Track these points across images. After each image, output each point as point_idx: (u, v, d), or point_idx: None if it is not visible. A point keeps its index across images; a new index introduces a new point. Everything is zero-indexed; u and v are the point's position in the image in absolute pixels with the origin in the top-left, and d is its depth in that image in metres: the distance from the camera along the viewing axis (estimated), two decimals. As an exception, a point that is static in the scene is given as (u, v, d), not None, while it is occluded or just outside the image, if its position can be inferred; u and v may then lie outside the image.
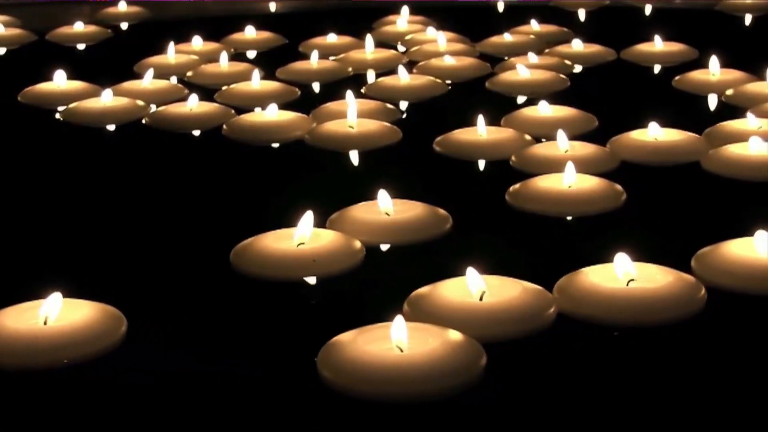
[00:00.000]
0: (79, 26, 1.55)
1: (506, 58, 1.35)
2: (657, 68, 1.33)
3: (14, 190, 1.01)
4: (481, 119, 1.05)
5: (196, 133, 1.14)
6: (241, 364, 0.69)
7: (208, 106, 1.17)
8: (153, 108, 1.19)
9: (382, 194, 0.86)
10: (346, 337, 0.67)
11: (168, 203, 0.96)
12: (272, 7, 1.76)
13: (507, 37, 1.43)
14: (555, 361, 0.68)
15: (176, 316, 0.76)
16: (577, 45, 1.37)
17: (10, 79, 1.31)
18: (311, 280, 0.78)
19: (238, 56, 1.42)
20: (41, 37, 1.54)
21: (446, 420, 0.63)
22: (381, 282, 0.79)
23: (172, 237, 0.89)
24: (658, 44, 1.36)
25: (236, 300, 0.78)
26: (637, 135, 1.01)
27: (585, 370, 0.67)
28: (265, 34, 1.49)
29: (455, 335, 0.67)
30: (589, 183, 0.90)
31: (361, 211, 0.86)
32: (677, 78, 1.24)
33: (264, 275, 0.79)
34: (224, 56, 1.34)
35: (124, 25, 1.64)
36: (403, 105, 1.20)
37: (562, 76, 1.26)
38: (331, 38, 1.45)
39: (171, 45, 1.38)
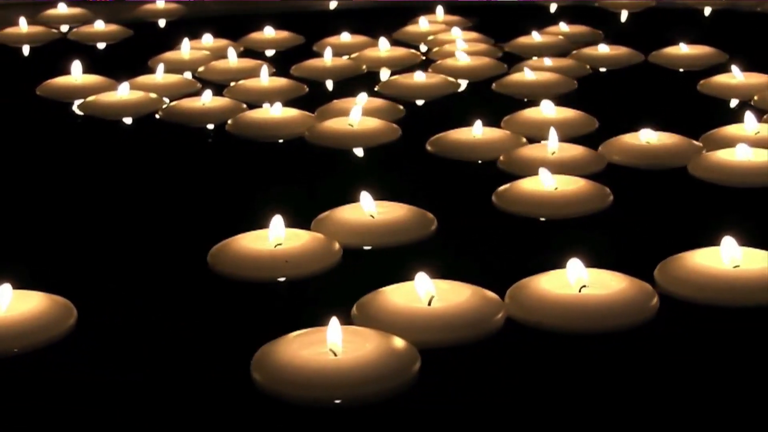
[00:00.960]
0: (99, 25, 1.56)
1: (534, 58, 1.33)
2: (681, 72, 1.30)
3: (5, 180, 1.02)
4: (478, 119, 1.03)
5: (210, 127, 1.13)
6: (182, 362, 0.68)
7: (220, 101, 1.17)
8: (166, 101, 1.19)
9: (365, 196, 0.85)
10: (282, 341, 0.66)
11: (159, 198, 0.96)
12: (332, 5, 1.76)
13: (536, 38, 1.41)
14: (502, 367, 0.66)
15: (131, 309, 0.75)
16: (603, 47, 1.34)
17: (33, 75, 1.32)
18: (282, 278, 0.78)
19: (257, 54, 1.41)
20: (63, 36, 1.56)
21: (384, 424, 0.61)
22: (354, 284, 0.77)
23: (154, 231, 0.88)
24: (683, 47, 1.32)
25: (203, 298, 0.77)
26: (629, 138, 0.98)
27: (532, 376, 0.65)
28: (285, 33, 1.48)
29: (393, 340, 0.65)
30: (576, 185, 0.88)
31: (346, 213, 0.85)
32: (702, 82, 1.21)
33: (236, 275, 0.78)
34: (232, 52, 1.33)
35: (161, 22, 1.65)
36: (418, 103, 1.19)
37: (571, 78, 1.23)
38: (346, 37, 1.43)
39: (185, 41, 1.38)
